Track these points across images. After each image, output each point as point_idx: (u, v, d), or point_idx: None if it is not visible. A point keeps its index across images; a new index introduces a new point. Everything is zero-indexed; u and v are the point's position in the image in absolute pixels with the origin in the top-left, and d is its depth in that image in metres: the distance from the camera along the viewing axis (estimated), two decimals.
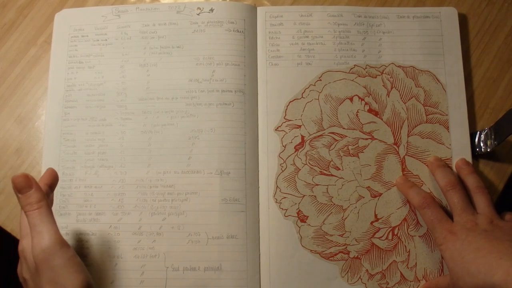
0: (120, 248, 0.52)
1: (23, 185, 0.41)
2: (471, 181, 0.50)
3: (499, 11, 0.58)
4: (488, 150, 0.52)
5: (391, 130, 0.54)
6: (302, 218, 0.52)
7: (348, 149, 0.53)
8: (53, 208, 0.52)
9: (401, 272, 0.51)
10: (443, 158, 0.53)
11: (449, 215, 0.49)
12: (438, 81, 0.55)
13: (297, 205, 0.52)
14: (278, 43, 0.56)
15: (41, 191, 0.42)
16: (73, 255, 0.40)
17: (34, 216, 0.40)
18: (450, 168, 0.52)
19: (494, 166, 0.54)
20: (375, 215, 0.52)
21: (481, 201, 0.48)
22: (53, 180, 0.46)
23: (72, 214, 0.52)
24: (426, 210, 0.49)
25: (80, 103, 0.55)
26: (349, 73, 0.55)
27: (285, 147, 0.54)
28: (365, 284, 0.51)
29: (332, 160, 0.53)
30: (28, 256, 0.41)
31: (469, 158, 0.53)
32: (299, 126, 0.54)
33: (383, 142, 0.54)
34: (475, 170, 0.52)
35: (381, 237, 0.52)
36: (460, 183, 0.50)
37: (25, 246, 0.41)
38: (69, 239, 0.52)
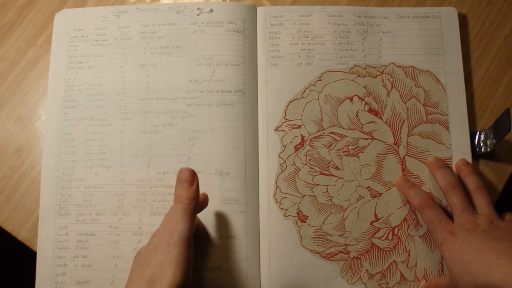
0: (120, 248, 0.52)
1: (186, 179, 0.44)
2: (471, 182, 0.50)
3: (499, 11, 0.58)
4: (488, 150, 0.52)
5: (391, 130, 0.54)
6: (302, 218, 0.52)
7: (348, 149, 0.53)
8: (53, 208, 0.52)
9: (401, 272, 0.51)
10: (443, 158, 0.53)
11: (449, 215, 0.49)
12: (438, 81, 0.55)
13: (297, 205, 0.52)
14: (278, 43, 0.56)
15: (197, 192, 0.44)
16: (189, 256, 0.42)
17: (181, 207, 0.43)
18: (450, 168, 0.52)
19: (494, 166, 0.54)
20: (375, 215, 0.52)
21: (481, 202, 0.48)
22: (203, 201, 0.49)
23: (72, 214, 0.52)
24: (426, 210, 0.49)
25: (80, 103, 0.55)
26: (349, 73, 0.55)
27: (285, 147, 0.54)
28: (365, 284, 0.51)
29: (332, 160, 0.53)
30: (156, 239, 0.43)
31: (469, 158, 0.53)
32: (299, 126, 0.54)
33: (383, 142, 0.54)
34: (475, 170, 0.52)
35: (381, 237, 0.52)
36: (460, 183, 0.50)
37: (157, 232, 0.44)
38: (69, 239, 0.52)
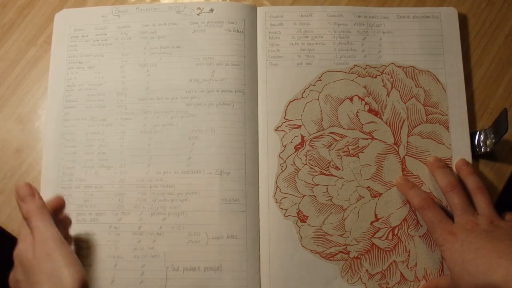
0: (120, 248, 0.51)
1: (26, 193, 0.43)
2: (471, 182, 0.50)
3: (499, 11, 0.58)
4: (488, 150, 0.52)
5: (391, 130, 0.54)
6: (302, 218, 0.52)
7: (348, 149, 0.53)
8: None
9: (401, 272, 0.51)
10: (443, 158, 0.53)
11: (449, 215, 0.49)
12: (438, 81, 0.55)
13: (297, 205, 0.52)
14: (278, 43, 0.56)
15: (42, 200, 0.44)
16: (72, 252, 0.42)
17: (36, 220, 0.42)
18: (450, 168, 0.52)
19: (494, 166, 0.54)
20: (375, 215, 0.52)
21: (481, 202, 0.48)
22: (56, 204, 0.48)
23: (72, 214, 0.52)
24: (426, 211, 0.49)
25: (80, 103, 0.55)
26: (349, 73, 0.55)
27: (285, 147, 0.54)
28: (365, 284, 0.51)
29: (332, 160, 0.53)
30: (24, 257, 0.42)
31: (469, 158, 0.53)
32: (299, 126, 0.54)
33: (383, 142, 0.54)
34: (475, 170, 0.52)
35: (381, 237, 0.52)
36: (460, 184, 0.50)
37: (22, 248, 0.43)
38: None
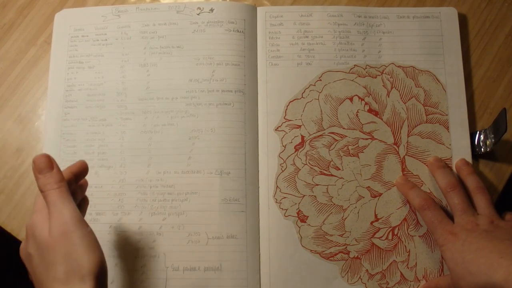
0: (120, 248, 0.51)
1: (44, 165, 0.40)
2: (471, 182, 0.50)
3: (499, 11, 0.58)
4: (488, 150, 0.52)
5: (391, 130, 0.54)
6: (302, 218, 0.52)
7: (348, 149, 0.53)
8: None
9: (401, 272, 0.51)
10: (443, 158, 0.53)
11: (450, 215, 0.49)
12: (438, 81, 0.55)
13: (297, 205, 0.52)
14: (278, 43, 0.56)
15: (61, 173, 0.41)
16: (91, 231, 0.39)
17: (54, 194, 0.39)
18: (450, 168, 0.52)
19: (494, 166, 0.54)
20: (375, 215, 0.52)
21: (482, 202, 0.48)
22: (80, 170, 0.45)
23: None
24: (426, 211, 0.49)
25: (80, 103, 0.55)
26: (349, 73, 0.55)
27: (285, 147, 0.54)
28: (365, 284, 0.51)
29: (332, 160, 0.53)
30: (39, 232, 0.39)
31: (469, 158, 0.53)
32: (299, 126, 0.54)
33: (383, 142, 0.54)
34: (475, 170, 0.52)
35: (381, 237, 0.52)
36: (460, 184, 0.50)
37: (36, 221, 0.40)
38: None
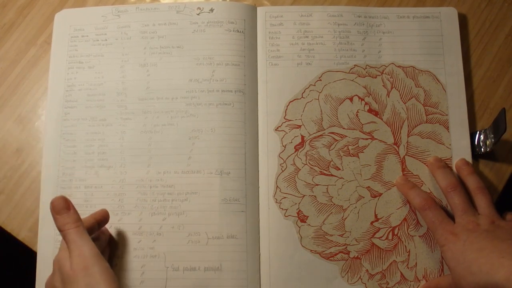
0: (120, 248, 0.51)
1: (61, 206, 0.43)
2: (471, 182, 0.50)
3: (499, 11, 0.58)
4: (488, 150, 0.52)
5: (391, 130, 0.54)
6: (302, 218, 0.52)
7: (348, 149, 0.53)
8: None
9: (401, 272, 0.51)
10: (443, 158, 0.53)
11: (450, 215, 0.49)
12: (438, 81, 0.55)
13: (297, 205, 0.52)
14: (278, 43, 0.56)
15: (77, 213, 0.44)
16: (109, 267, 0.42)
17: (73, 233, 0.42)
18: (450, 168, 0.52)
19: (494, 166, 0.54)
20: (375, 215, 0.52)
21: (482, 202, 0.48)
22: (102, 218, 0.49)
23: None
24: (427, 211, 0.49)
25: (80, 103, 0.55)
26: (349, 73, 0.55)
27: (285, 147, 0.54)
28: (365, 284, 0.51)
29: (332, 160, 0.53)
30: (63, 266, 0.42)
31: (469, 158, 0.53)
32: (299, 126, 0.54)
33: (383, 142, 0.54)
34: (475, 170, 0.52)
35: (381, 237, 0.52)
36: (461, 184, 0.50)
37: (61, 257, 0.43)
38: None
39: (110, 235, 0.51)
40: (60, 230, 0.43)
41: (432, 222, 0.48)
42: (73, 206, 0.44)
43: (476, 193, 0.49)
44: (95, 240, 0.46)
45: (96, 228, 0.48)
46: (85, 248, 0.42)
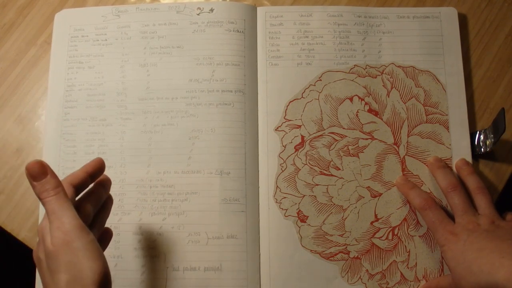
0: (120, 248, 0.52)
1: (37, 171, 0.38)
2: (471, 182, 0.50)
3: (499, 11, 0.58)
4: (488, 150, 0.52)
5: (391, 130, 0.54)
6: (302, 218, 0.52)
7: (348, 149, 0.53)
8: None
9: (401, 272, 0.51)
10: (443, 158, 0.53)
11: (450, 215, 0.49)
12: (438, 81, 0.55)
13: (297, 205, 0.52)
14: (278, 43, 0.56)
15: (57, 178, 0.39)
16: (93, 240, 0.38)
17: (52, 202, 0.38)
18: (450, 168, 0.52)
19: (494, 166, 0.54)
20: (375, 215, 0.52)
21: (482, 202, 0.48)
22: (95, 169, 0.44)
23: None
24: (427, 212, 0.49)
25: (80, 103, 0.55)
26: (349, 73, 0.55)
27: (285, 147, 0.54)
28: (365, 284, 0.51)
29: (332, 160, 0.53)
30: (45, 239, 0.38)
31: (469, 158, 0.53)
32: (299, 126, 0.54)
33: (383, 142, 0.54)
34: (475, 170, 0.52)
35: (381, 237, 0.52)
36: (461, 184, 0.50)
37: (43, 226, 0.39)
38: None
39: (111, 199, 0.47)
40: (39, 198, 0.39)
41: (432, 222, 0.48)
42: (51, 171, 0.39)
43: (476, 193, 0.49)
44: (91, 194, 0.42)
45: (88, 182, 0.43)
46: (65, 220, 0.37)
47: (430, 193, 0.52)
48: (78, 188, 0.42)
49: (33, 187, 0.39)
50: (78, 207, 0.41)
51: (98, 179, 0.45)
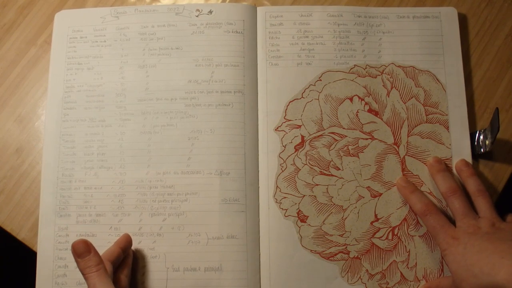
0: None
1: (82, 250, 0.44)
2: (472, 184, 0.50)
3: (499, 11, 0.58)
4: (487, 150, 0.52)
5: (391, 130, 0.54)
6: (302, 218, 0.52)
7: (348, 149, 0.53)
8: (53, 210, 0.52)
9: (401, 272, 0.51)
10: (443, 158, 0.53)
11: (450, 218, 0.49)
12: (438, 81, 0.55)
13: (297, 205, 0.52)
14: (278, 43, 0.56)
15: (99, 255, 0.44)
16: None
17: (94, 277, 0.43)
18: (450, 172, 0.52)
19: (493, 166, 0.54)
20: (375, 215, 0.52)
21: (483, 205, 0.48)
22: (126, 244, 0.50)
23: (72, 216, 0.52)
24: (428, 217, 0.49)
25: (79, 104, 0.55)
26: (349, 73, 0.55)
27: (285, 147, 0.54)
28: (365, 284, 0.51)
29: (332, 160, 0.53)
30: None
31: (469, 158, 0.53)
32: (299, 126, 0.54)
33: (383, 142, 0.54)
34: (475, 170, 0.52)
35: (381, 237, 0.52)
36: (461, 188, 0.50)
37: None
38: (69, 240, 0.52)
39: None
40: (82, 273, 0.44)
41: (433, 227, 0.48)
42: (94, 249, 0.44)
43: (477, 196, 0.49)
44: (122, 264, 0.47)
45: (121, 255, 0.48)
46: None
47: (430, 193, 0.52)
48: (114, 263, 0.47)
49: (77, 263, 0.44)
50: (115, 280, 0.46)
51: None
